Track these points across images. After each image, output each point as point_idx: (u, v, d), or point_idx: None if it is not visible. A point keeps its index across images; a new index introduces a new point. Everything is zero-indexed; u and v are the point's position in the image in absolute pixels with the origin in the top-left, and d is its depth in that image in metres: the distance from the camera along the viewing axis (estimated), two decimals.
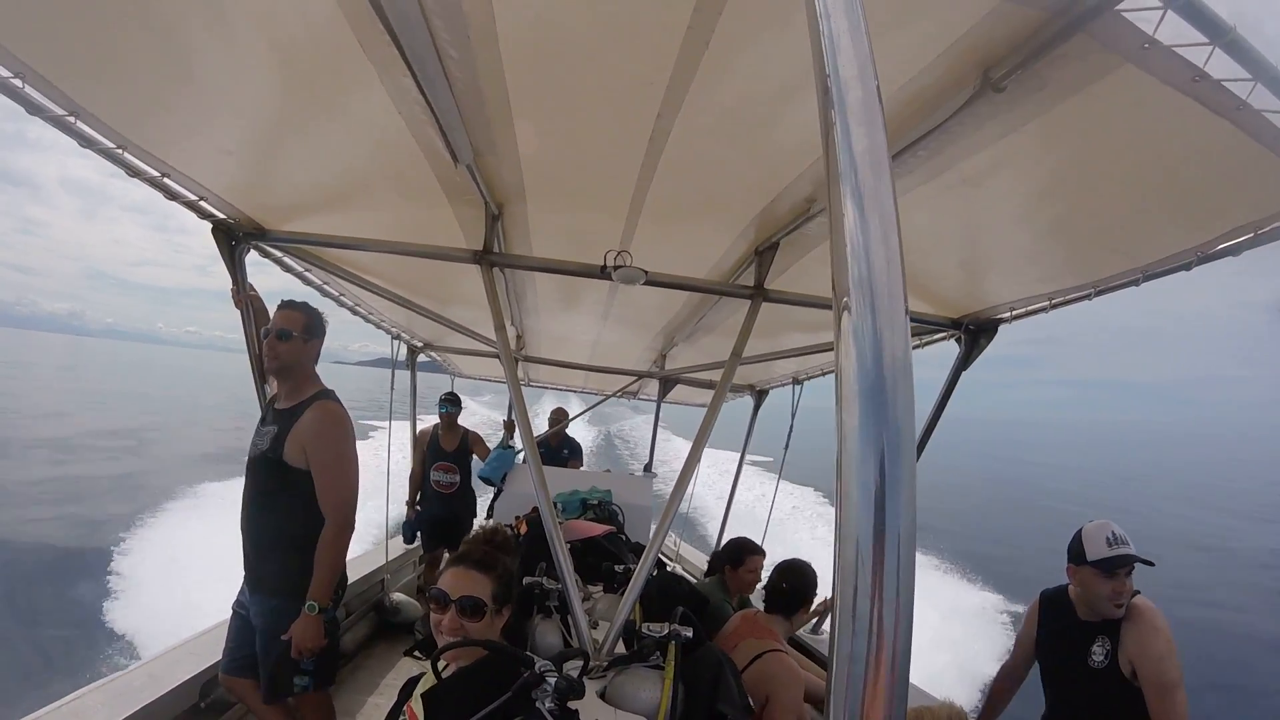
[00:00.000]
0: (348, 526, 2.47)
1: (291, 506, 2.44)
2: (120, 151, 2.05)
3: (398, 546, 5.49)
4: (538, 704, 1.42)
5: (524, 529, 3.51)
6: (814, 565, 2.93)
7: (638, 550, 3.73)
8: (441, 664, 1.59)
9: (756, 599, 3.40)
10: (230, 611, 2.67)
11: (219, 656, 2.78)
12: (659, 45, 1.40)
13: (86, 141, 1.95)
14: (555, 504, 3.51)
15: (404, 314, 4.57)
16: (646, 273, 2.59)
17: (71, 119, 1.82)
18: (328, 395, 2.54)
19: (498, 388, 8.77)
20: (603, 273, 2.59)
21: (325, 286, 3.81)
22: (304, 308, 2.61)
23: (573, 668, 1.63)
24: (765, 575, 3.16)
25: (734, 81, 1.53)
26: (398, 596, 5.00)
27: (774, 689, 2.47)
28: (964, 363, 3.04)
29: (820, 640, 4.10)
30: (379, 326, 5.26)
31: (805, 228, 2.30)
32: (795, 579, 2.85)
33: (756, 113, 1.67)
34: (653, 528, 4.83)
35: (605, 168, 2.11)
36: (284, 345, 2.50)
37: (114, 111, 1.89)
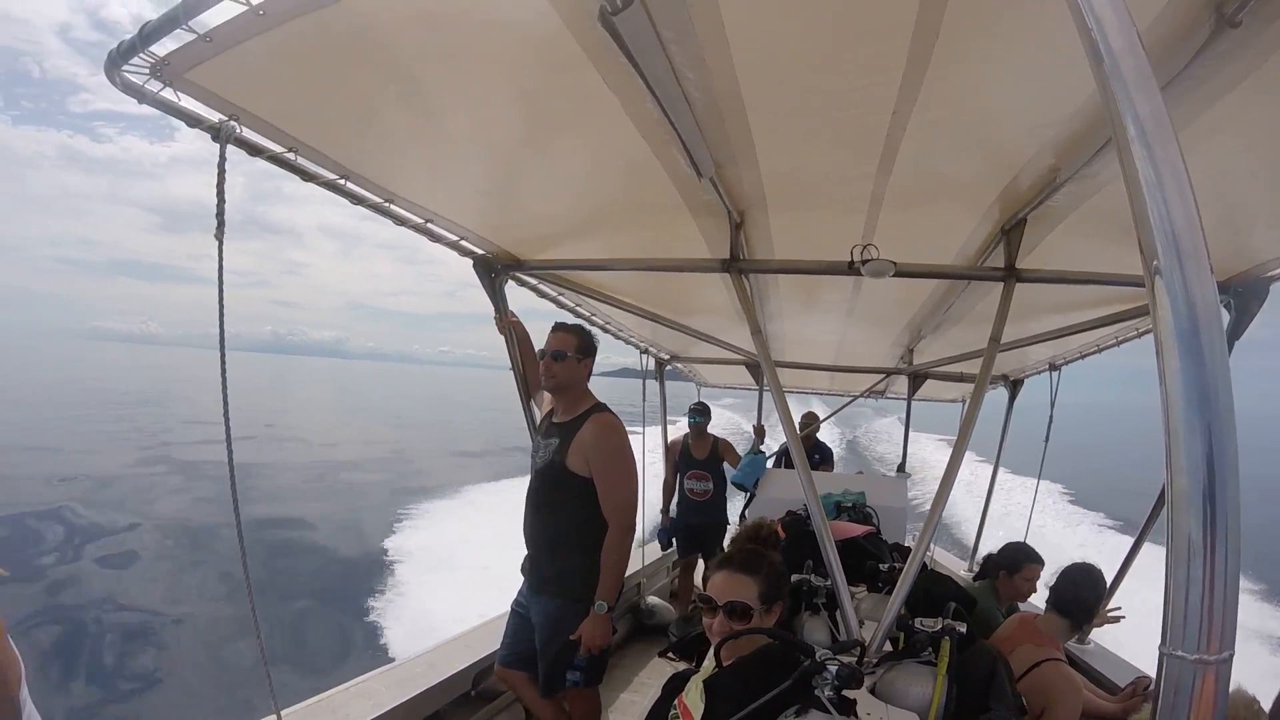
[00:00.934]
0: (630, 529, 2.59)
1: (574, 512, 2.59)
2: (388, 205, 2.32)
3: (653, 551, 5.71)
4: (816, 691, 1.44)
5: (781, 533, 3.48)
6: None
7: (897, 552, 3.63)
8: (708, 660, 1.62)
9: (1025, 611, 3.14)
10: (509, 609, 2.86)
11: (489, 650, 3.01)
12: (889, 41, 1.41)
13: (356, 199, 2.21)
14: (805, 506, 3.53)
15: (650, 328, 4.76)
16: (895, 264, 2.54)
17: (343, 181, 2.10)
18: (603, 408, 2.69)
19: (736, 393, 8.88)
20: (850, 269, 2.58)
21: (578, 308, 4.03)
22: (576, 329, 2.77)
23: (846, 661, 1.59)
24: (1041, 586, 2.97)
25: (967, 65, 1.51)
26: (653, 600, 5.18)
27: (1052, 700, 2.29)
28: (1234, 332, 2.66)
29: (1086, 650, 3.75)
30: (628, 341, 5.53)
31: (1052, 200, 2.16)
32: (1089, 585, 2.61)
33: (992, 91, 1.64)
34: (908, 530, 4.70)
35: (843, 166, 2.11)
36: (559, 365, 2.67)
37: (380, 171, 2.14)
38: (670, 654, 4.42)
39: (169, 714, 4.88)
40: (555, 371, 2.68)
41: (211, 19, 1.36)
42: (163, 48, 1.48)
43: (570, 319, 3.34)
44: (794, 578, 2.61)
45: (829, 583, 2.52)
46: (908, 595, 2.38)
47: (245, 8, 1.30)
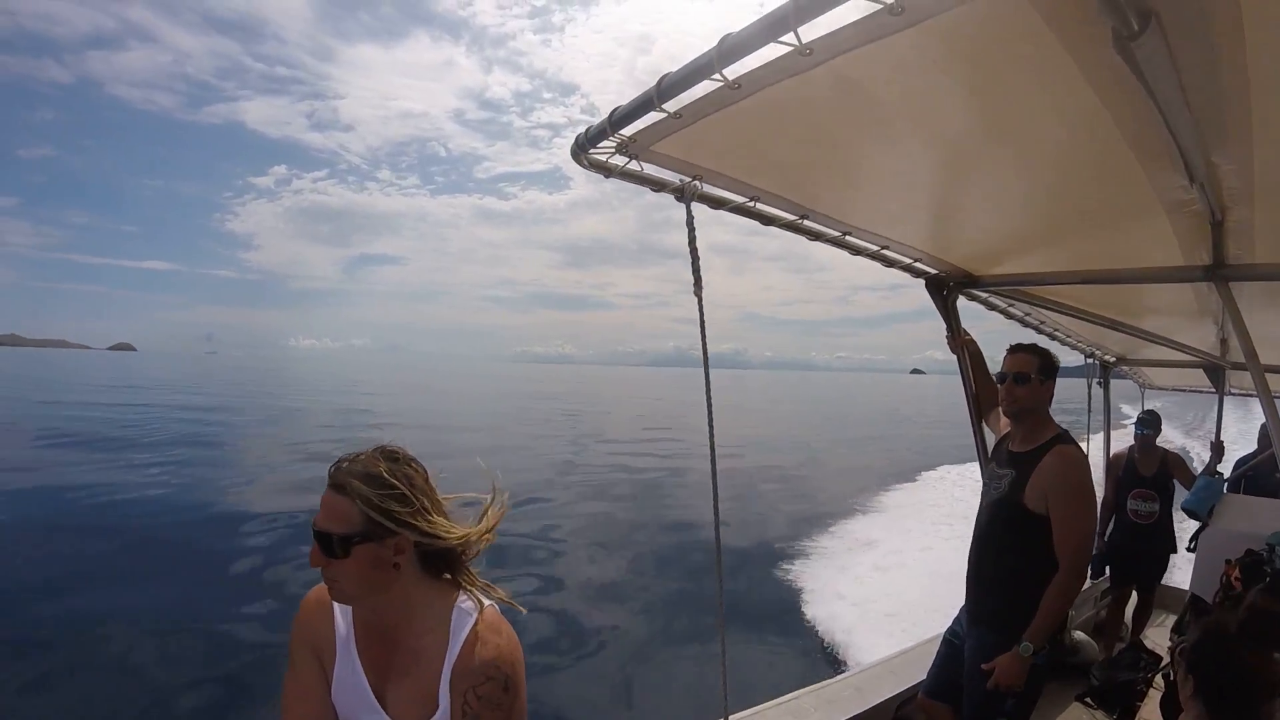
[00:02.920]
0: (1082, 574, 2.41)
1: (1025, 550, 2.45)
2: (845, 237, 2.39)
3: None
4: None
5: (1236, 577, 2.84)
6: None
7: None
8: None
9: None
10: (941, 638, 2.80)
11: (914, 678, 2.94)
12: None
13: (814, 236, 2.32)
14: (1269, 545, 2.81)
15: (1098, 331, 4.47)
16: None
17: (802, 220, 2.21)
18: (1066, 438, 2.50)
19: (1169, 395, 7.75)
20: None
21: (1027, 317, 3.89)
22: (1036, 350, 2.61)
23: None
24: None
25: None
26: (1078, 635, 4.59)
27: None
28: None
29: None
30: (1074, 347, 5.18)
31: None
32: None
33: None
34: None
35: None
36: (1022, 389, 2.53)
37: (835, 206, 2.20)
38: (1088, 699, 3.95)
39: (628, 705, 5.41)
40: (1018, 396, 2.54)
41: (682, 97, 1.40)
42: (630, 127, 1.58)
43: (1018, 330, 3.38)
44: None
45: None
46: None
47: (720, 83, 1.28)
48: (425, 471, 1.31)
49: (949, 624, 2.79)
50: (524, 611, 1.40)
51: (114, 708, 4.93)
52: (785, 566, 8.57)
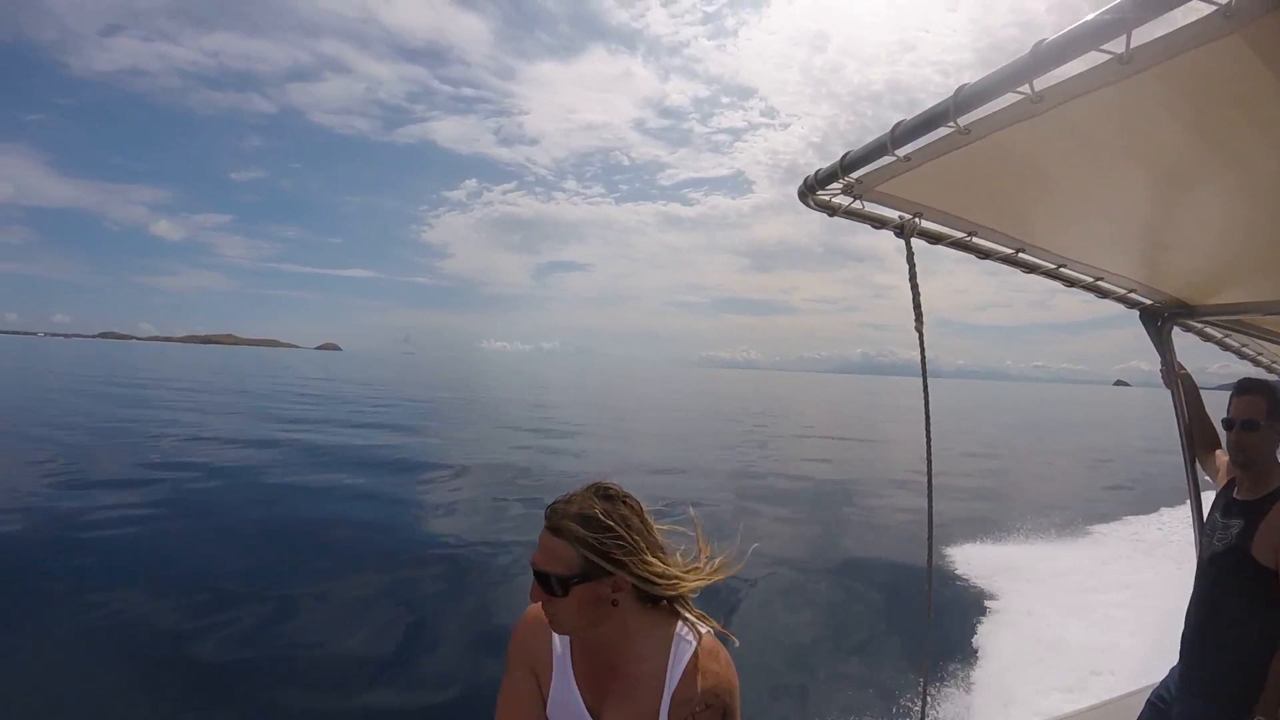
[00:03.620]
0: None
1: (1250, 607, 2.25)
2: (1059, 269, 2.38)
3: None
4: None
5: None
6: None
7: None
8: None
9: None
10: (1146, 701, 2.59)
11: None
12: None
13: (1029, 269, 2.33)
14: None
15: None
16: None
17: (1017, 254, 2.23)
18: None
19: None
20: None
21: (1243, 349, 3.63)
22: (1265, 390, 2.40)
23: None
24: None
25: None
26: None
27: None
28: None
29: None
30: None
31: None
32: None
33: None
34: None
35: None
36: (1250, 437, 2.32)
37: (1050, 239, 2.21)
38: None
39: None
40: (1246, 445, 2.33)
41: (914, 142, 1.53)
42: (858, 170, 1.73)
43: (1237, 362, 3.21)
44: None
45: None
46: None
47: (952, 129, 1.39)
48: (640, 508, 1.32)
49: (1155, 682, 2.59)
50: (737, 642, 1.40)
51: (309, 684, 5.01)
52: (970, 587, 7.78)
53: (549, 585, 1.25)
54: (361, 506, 10.23)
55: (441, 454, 15.81)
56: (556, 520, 1.26)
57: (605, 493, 1.29)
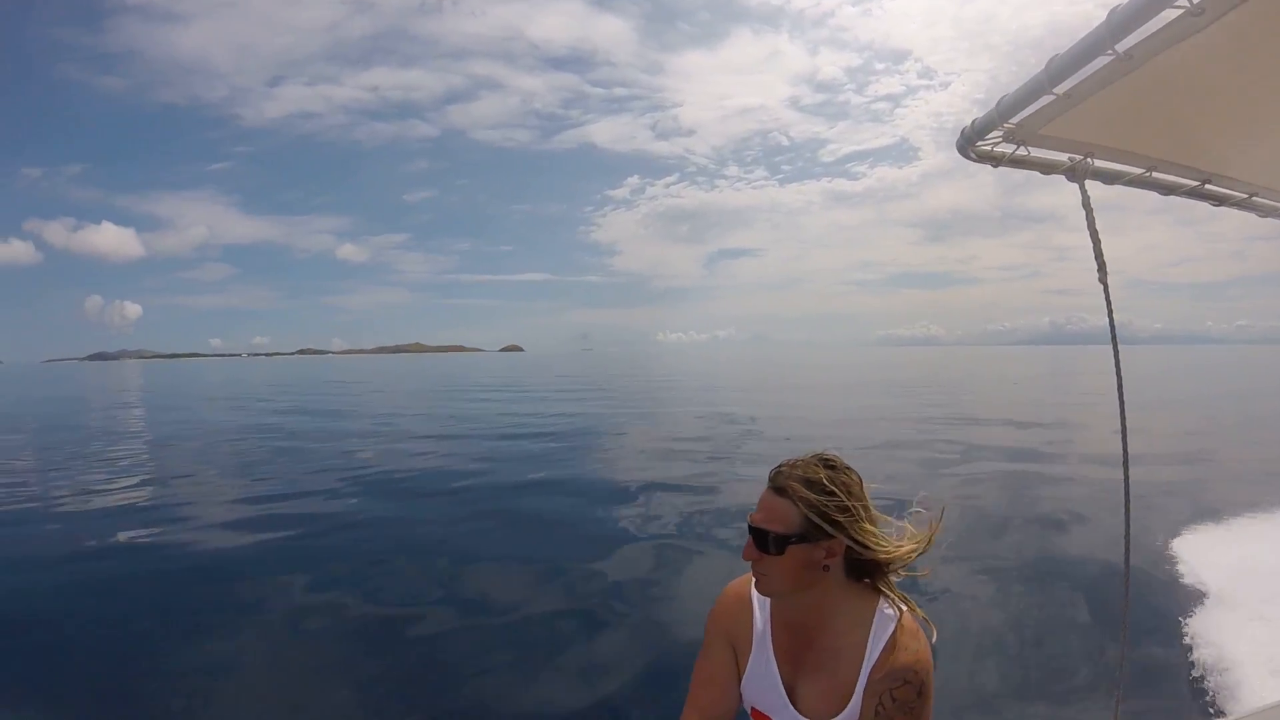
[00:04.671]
0: None
1: None
2: (1252, 198, 2.17)
3: None
4: None
5: None
6: None
7: None
8: None
9: None
10: None
11: None
12: None
13: (1218, 200, 2.14)
14: None
15: None
16: None
17: (1203, 185, 2.05)
18: None
19: None
20: None
21: None
22: None
23: None
24: None
25: None
26: None
27: None
28: None
29: None
30: None
31: None
32: None
33: None
34: None
35: None
36: None
37: (1244, 168, 2.03)
38: None
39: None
40: None
41: (1070, 75, 1.47)
42: (1017, 115, 1.71)
43: None
44: None
45: None
46: None
47: (1111, 57, 1.35)
48: (860, 480, 1.35)
49: None
50: (934, 632, 1.39)
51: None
52: (1180, 585, 6.66)
53: (765, 543, 1.30)
54: (555, 498, 10.43)
55: (626, 441, 16.36)
56: (782, 480, 1.32)
57: (828, 461, 1.34)
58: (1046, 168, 1.91)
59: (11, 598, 6.42)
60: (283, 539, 8.38)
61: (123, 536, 8.58)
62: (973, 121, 1.84)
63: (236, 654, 5.24)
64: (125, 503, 10.78)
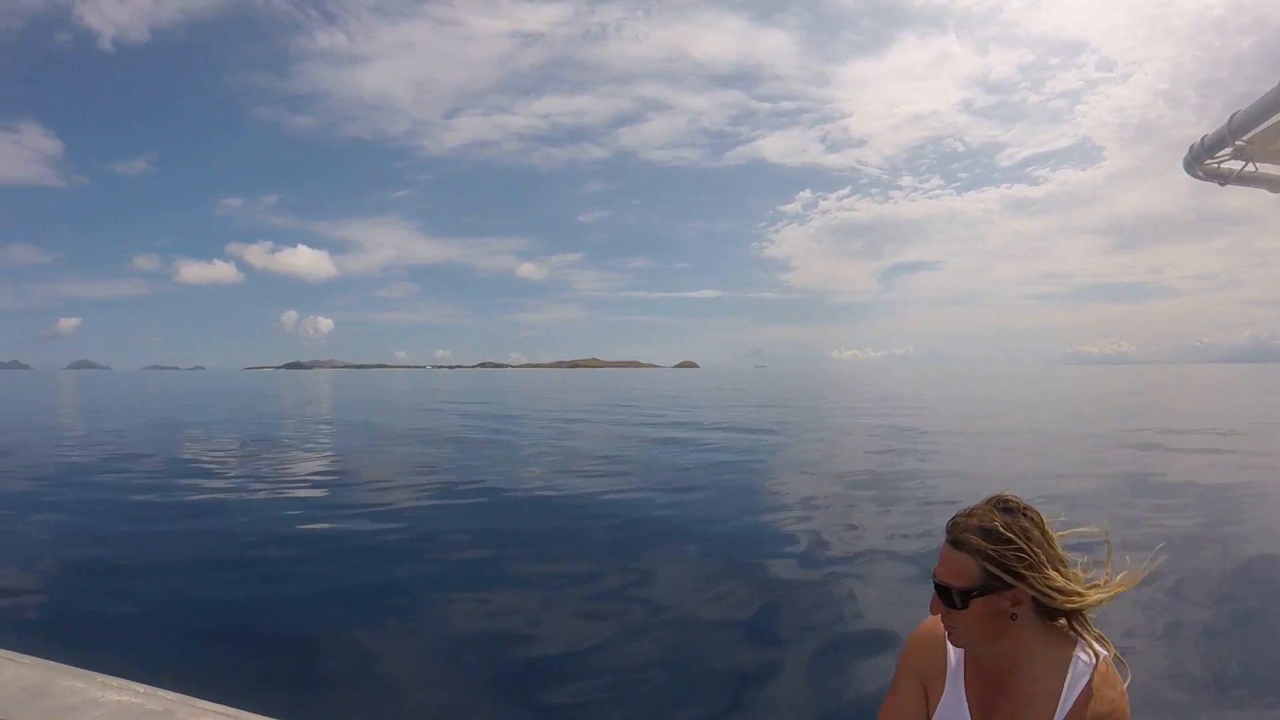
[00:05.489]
0: None
1: None
2: None
3: None
4: None
5: None
6: None
7: None
8: None
9: None
10: None
11: None
12: None
13: None
14: None
15: None
16: None
17: None
18: None
19: None
20: None
21: None
22: None
23: None
24: None
25: None
26: None
27: None
28: None
29: None
30: None
31: None
32: None
33: None
34: None
35: None
36: None
37: None
38: None
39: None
40: None
41: None
42: (1249, 132, 1.81)
43: None
44: None
45: None
46: None
47: None
48: (1041, 520, 1.30)
49: None
50: (1129, 674, 1.33)
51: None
52: None
53: (949, 598, 1.28)
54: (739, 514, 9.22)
55: (805, 461, 14.58)
56: (958, 533, 1.29)
57: (1005, 505, 1.30)
58: (1274, 185, 1.81)
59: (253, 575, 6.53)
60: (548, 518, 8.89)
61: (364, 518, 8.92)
62: (1202, 139, 2.05)
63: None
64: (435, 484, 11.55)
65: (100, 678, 2.41)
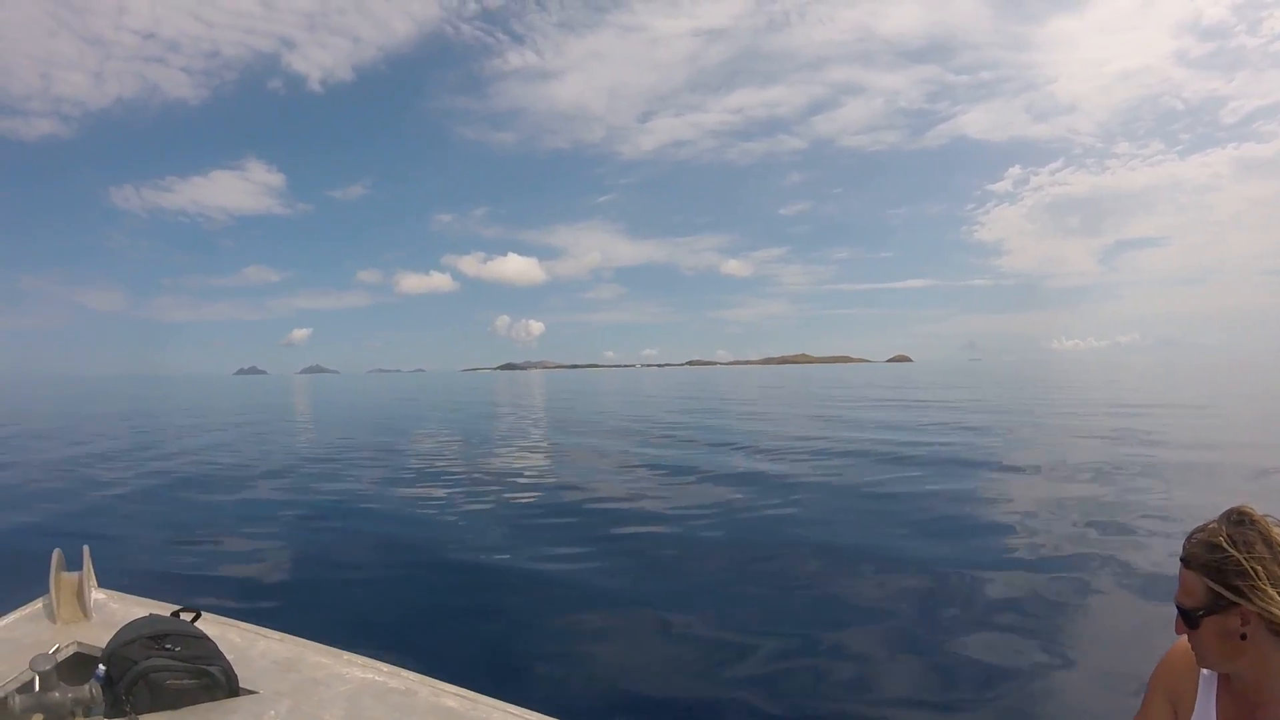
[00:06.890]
0: None
1: None
2: None
3: None
4: None
5: None
6: None
7: None
8: None
9: None
10: None
11: None
12: None
13: None
14: None
15: None
16: None
17: None
18: None
19: None
20: None
21: None
22: None
23: None
24: None
25: None
26: None
27: None
28: None
29: None
30: None
31: None
32: None
33: None
34: None
35: None
36: None
37: None
38: None
39: None
40: None
41: None
42: None
43: None
44: None
45: None
46: None
47: None
48: (1272, 532, 1.20)
49: None
50: None
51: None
52: None
53: (1186, 618, 1.26)
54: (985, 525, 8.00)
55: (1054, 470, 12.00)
56: (1186, 549, 1.27)
57: (1237, 517, 1.23)
58: None
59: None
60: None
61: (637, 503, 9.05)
62: None
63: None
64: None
65: (346, 655, 2.44)
